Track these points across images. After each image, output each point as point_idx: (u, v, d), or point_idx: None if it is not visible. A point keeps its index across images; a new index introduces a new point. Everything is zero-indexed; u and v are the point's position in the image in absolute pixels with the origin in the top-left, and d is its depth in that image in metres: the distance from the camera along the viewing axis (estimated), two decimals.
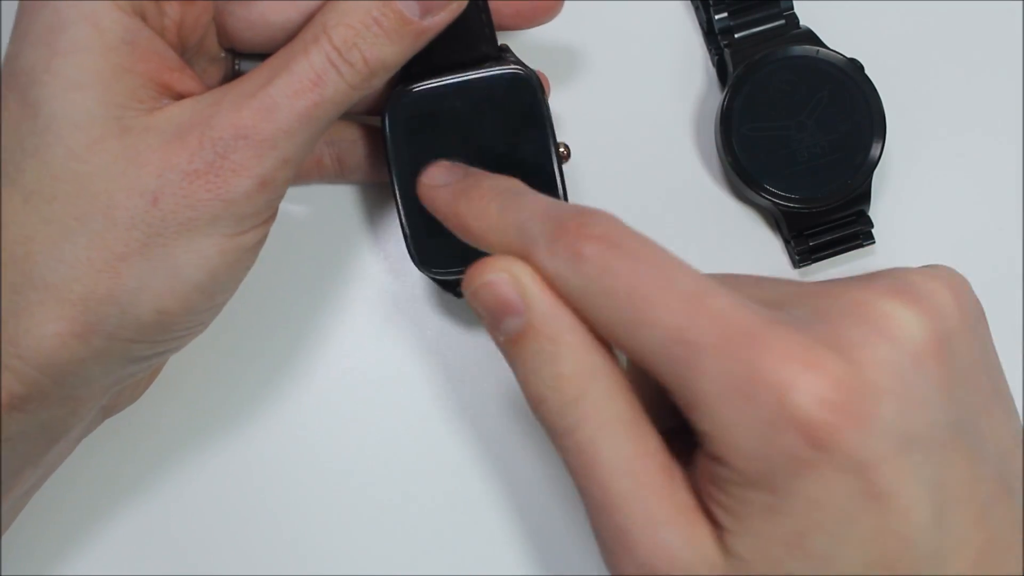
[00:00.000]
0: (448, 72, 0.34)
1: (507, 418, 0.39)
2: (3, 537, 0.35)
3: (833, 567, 0.26)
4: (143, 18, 0.31)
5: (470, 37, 0.34)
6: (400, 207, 0.35)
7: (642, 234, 0.28)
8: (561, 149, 0.35)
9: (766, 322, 0.26)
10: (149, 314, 0.30)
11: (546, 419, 0.28)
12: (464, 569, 0.39)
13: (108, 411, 0.35)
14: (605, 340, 0.28)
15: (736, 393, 0.25)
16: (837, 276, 0.37)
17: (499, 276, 0.28)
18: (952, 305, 0.28)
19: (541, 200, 0.29)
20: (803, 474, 0.25)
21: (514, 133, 0.34)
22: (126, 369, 0.32)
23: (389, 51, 0.31)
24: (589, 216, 0.28)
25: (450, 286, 0.37)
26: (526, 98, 0.34)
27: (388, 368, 0.39)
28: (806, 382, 0.25)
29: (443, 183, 0.31)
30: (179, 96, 0.31)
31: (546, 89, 0.35)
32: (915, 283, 0.28)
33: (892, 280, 0.28)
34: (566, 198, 0.34)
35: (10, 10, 0.40)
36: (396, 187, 0.35)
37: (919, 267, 0.29)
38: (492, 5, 0.34)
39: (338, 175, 0.38)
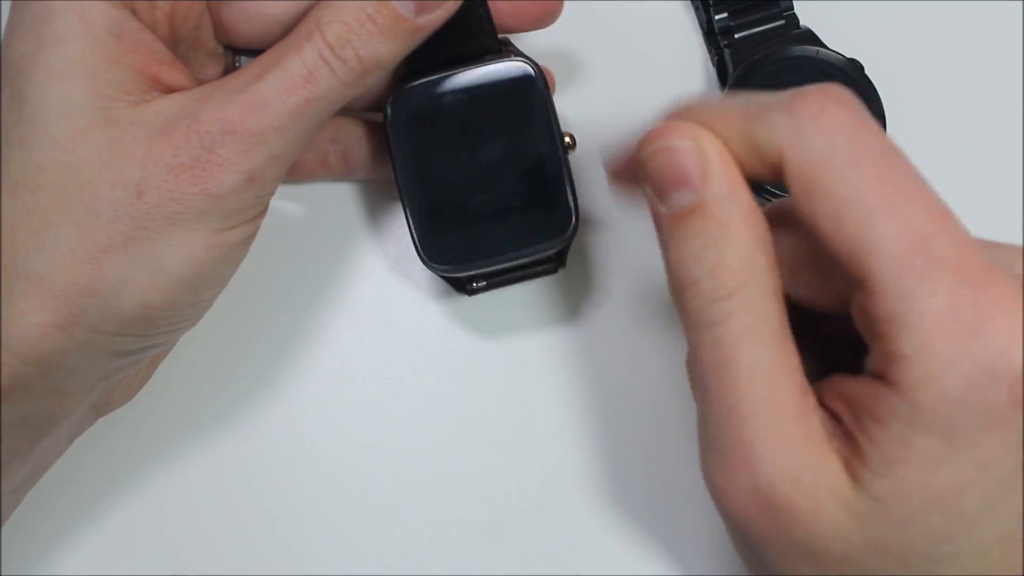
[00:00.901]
0: (448, 68, 0.34)
1: (507, 421, 0.39)
2: (4, 536, 0.35)
3: (973, 532, 0.25)
4: (133, 11, 0.31)
5: (469, 32, 0.34)
6: (405, 204, 0.34)
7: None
8: (566, 139, 0.35)
9: (1001, 268, 0.25)
10: (132, 307, 0.30)
11: (691, 305, 0.27)
12: (461, 569, 0.38)
13: (101, 410, 0.35)
14: (813, 225, 0.26)
15: (963, 325, 0.24)
16: None
17: (683, 143, 0.27)
18: None
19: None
20: (991, 432, 0.24)
21: (518, 124, 0.34)
22: (112, 363, 0.32)
23: (383, 49, 0.31)
24: (835, 90, 0.26)
25: (458, 283, 0.37)
26: (528, 89, 0.34)
27: (386, 368, 0.39)
28: None
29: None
30: (168, 90, 0.31)
31: (551, 86, 0.35)
32: None
33: None
34: (574, 190, 0.34)
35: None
36: (401, 183, 0.34)
37: None
38: (492, 9, 0.34)
39: (343, 173, 0.38)
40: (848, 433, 0.26)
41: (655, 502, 0.38)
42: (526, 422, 0.39)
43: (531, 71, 0.34)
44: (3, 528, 0.34)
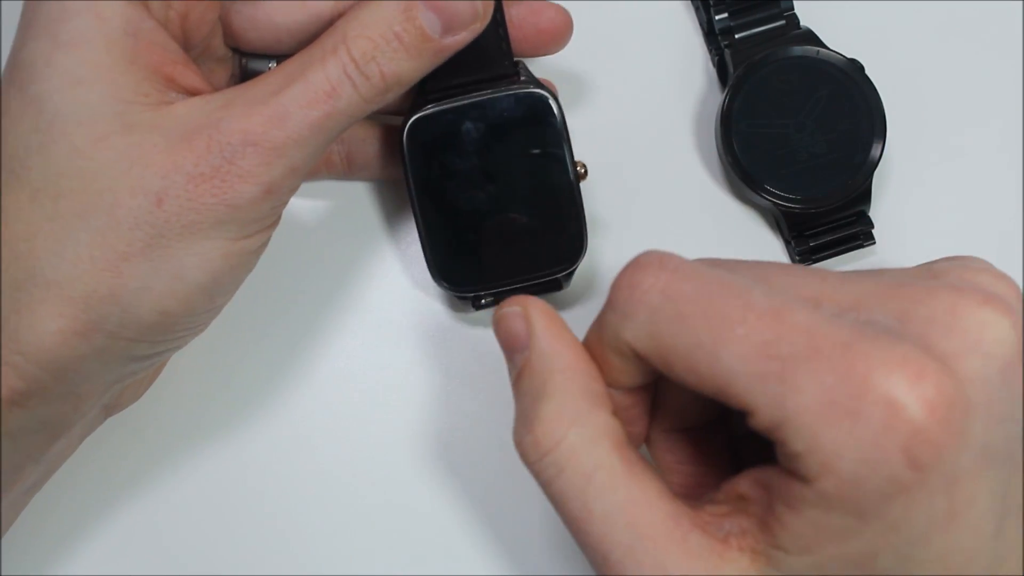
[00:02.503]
0: (464, 89, 0.34)
1: (511, 426, 0.39)
2: (5, 536, 0.35)
3: None
4: (147, 9, 0.30)
5: (487, 55, 0.34)
6: (421, 226, 0.35)
7: (698, 262, 0.27)
8: (579, 168, 0.35)
9: (858, 332, 0.25)
10: (150, 314, 0.30)
11: (526, 464, 0.28)
12: (465, 570, 0.39)
13: (110, 410, 0.35)
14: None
15: (838, 408, 0.24)
16: None
17: (513, 310, 0.29)
18: (1020, 309, 0.27)
19: None
20: (896, 498, 0.24)
21: (533, 153, 0.34)
22: (127, 367, 0.32)
23: (407, 67, 0.31)
24: (639, 257, 0.27)
25: (471, 300, 0.37)
26: (544, 118, 0.34)
27: (394, 370, 0.39)
28: (914, 396, 0.24)
29: None
30: (183, 90, 0.31)
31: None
32: (989, 285, 0.27)
33: (962, 282, 0.27)
34: (584, 217, 0.35)
35: (10, 10, 0.40)
36: (417, 207, 0.35)
37: (965, 261, 0.28)
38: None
39: (347, 172, 0.38)
40: (760, 519, 0.26)
41: None
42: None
43: (548, 100, 0.34)
44: (8, 529, 0.34)
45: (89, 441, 0.36)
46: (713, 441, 0.31)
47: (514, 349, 0.29)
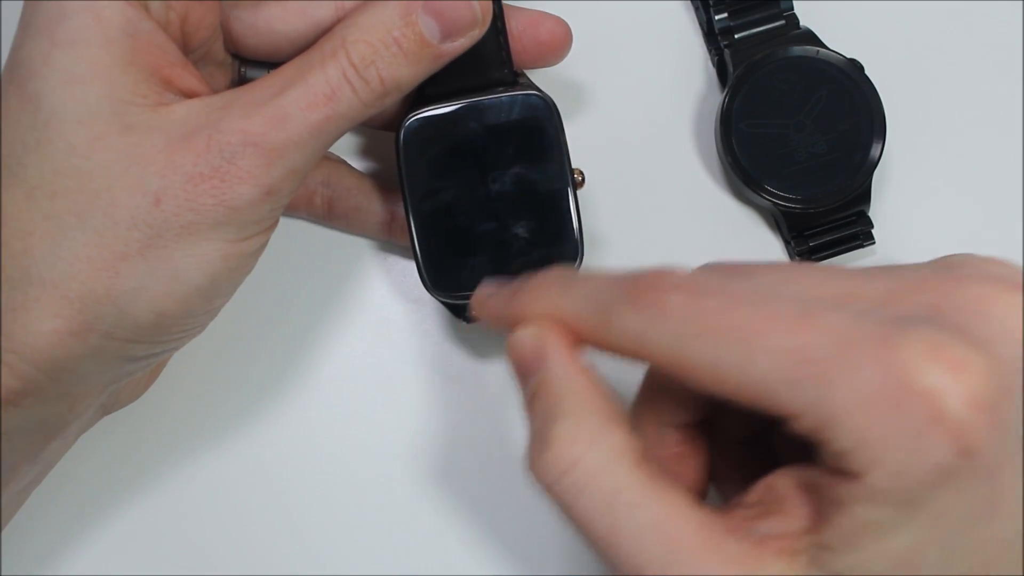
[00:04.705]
0: (463, 95, 0.34)
1: (503, 428, 0.39)
2: (3, 535, 0.35)
3: None
4: (147, 10, 0.30)
5: (487, 61, 0.34)
6: (412, 230, 0.34)
7: (719, 277, 0.27)
8: (576, 176, 0.34)
9: (892, 325, 0.25)
10: (147, 315, 0.30)
11: (542, 488, 0.27)
12: (460, 570, 0.39)
13: (107, 408, 0.35)
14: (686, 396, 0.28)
15: (881, 402, 0.24)
16: None
17: (527, 332, 0.29)
18: None
19: (603, 272, 0.29)
20: (942, 486, 0.24)
21: (529, 158, 0.34)
22: (123, 368, 0.32)
23: (406, 72, 0.31)
24: (664, 270, 0.27)
25: (459, 310, 0.36)
26: (542, 122, 0.34)
27: (389, 373, 0.39)
28: (957, 383, 0.24)
29: (493, 292, 0.31)
30: (182, 93, 0.31)
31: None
32: (1010, 275, 0.26)
33: (982, 272, 0.27)
34: (580, 226, 0.34)
35: (10, 10, 0.40)
36: (409, 210, 0.34)
37: (971, 256, 0.28)
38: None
39: (325, 217, 0.38)
40: (803, 518, 0.26)
41: None
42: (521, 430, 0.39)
43: (546, 104, 0.34)
44: (5, 527, 0.34)
45: (89, 441, 0.36)
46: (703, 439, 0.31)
47: (528, 372, 0.29)
